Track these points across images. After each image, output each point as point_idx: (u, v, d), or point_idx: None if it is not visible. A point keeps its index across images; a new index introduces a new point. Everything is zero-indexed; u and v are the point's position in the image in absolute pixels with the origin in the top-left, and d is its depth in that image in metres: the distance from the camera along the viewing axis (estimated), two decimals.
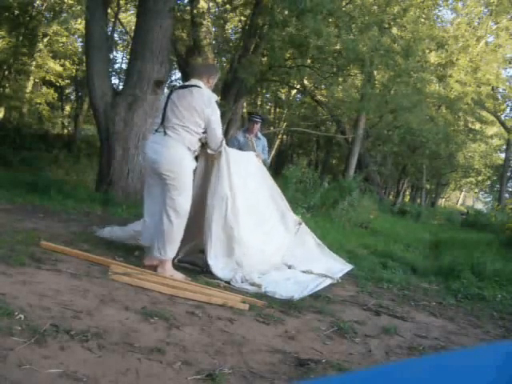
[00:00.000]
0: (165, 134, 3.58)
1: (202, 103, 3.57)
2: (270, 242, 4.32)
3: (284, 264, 4.36)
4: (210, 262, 3.75)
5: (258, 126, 5.84)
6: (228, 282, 3.63)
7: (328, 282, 4.12)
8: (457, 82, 19.23)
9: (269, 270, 4.11)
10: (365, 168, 17.55)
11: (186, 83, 3.79)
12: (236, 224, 3.89)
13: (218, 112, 3.69)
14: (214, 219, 3.80)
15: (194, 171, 3.82)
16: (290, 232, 4.72)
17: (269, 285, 3.66)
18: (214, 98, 3.74)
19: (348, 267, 4.79)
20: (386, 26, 10.41)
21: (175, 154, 3.57)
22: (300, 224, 4.87)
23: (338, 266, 4.71)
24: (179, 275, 3.61)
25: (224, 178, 3.86)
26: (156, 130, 3.67)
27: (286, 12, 9.53)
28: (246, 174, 4.26)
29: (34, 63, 16.15)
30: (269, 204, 4.55)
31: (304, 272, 4.25)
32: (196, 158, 3.87)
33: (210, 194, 3.85)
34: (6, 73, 16.11)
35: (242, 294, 3.40)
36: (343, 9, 9.54)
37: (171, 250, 3.64)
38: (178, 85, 3.94)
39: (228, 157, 3.88)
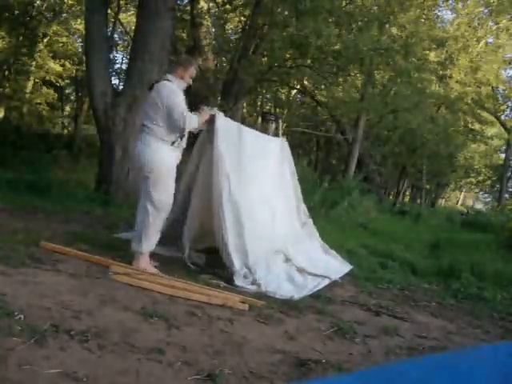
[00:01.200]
0: (142, 131, 3.74)
1: (162, 93, 3.63)
2: (275, 231, 4.36)
3: (283, 253, 4.34)
4: (225, 242, 3.75)
5: (273, 126, 5.71)
6: (229, 282, 3.62)
7: (327, 281, 4.12)
8: (457, 82, 19.22)
9: (274, 259, 4.13)
10: (364, 168, 17.54)
11: (157, 80, 3.86)
12: (243, 212, 3.91)
13: (178, 95, 3.68)
14: (223, 202, 3.80)
15: (184, 166, 3.89)
16: (299, 222, 4.82)
17: (269, 285, 3.66)
18: (180, 86, 3.75)
19: (347, 267, 4.80)
20: (385, 20, 10.35)
21: (150, 149, 3.66)
22: (309, 218, 5.00)
23: (338, 267, 4.72)
24: (153, 269, 3.64)
25: (222, 163, 3.88)
26: (140, 131, 3.83)
27: (286, 12, 9.54)
28: (257, 157, 4.37)
29: (34, 63, 16.15)
30: (280, 193, 4.65)
31: (298, 268, 4.23)
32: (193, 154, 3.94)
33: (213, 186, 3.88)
34: (6, 73, 16.12)
35: (241, 293, 3.40)
36: (343, 9, 9.54)
37: (146, 243, 3.67)
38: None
39: (222, 144, 3.91)
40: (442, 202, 39.40)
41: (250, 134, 4.51)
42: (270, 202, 4.45)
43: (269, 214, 4.39)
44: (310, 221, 5.08)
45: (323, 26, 8.26)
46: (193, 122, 3.70)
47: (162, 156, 3.67)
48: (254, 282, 3.65)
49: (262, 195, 4.35)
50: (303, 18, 8.38)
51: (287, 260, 4.29)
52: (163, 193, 3.68)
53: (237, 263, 3.72)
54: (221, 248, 3.81)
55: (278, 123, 5.62)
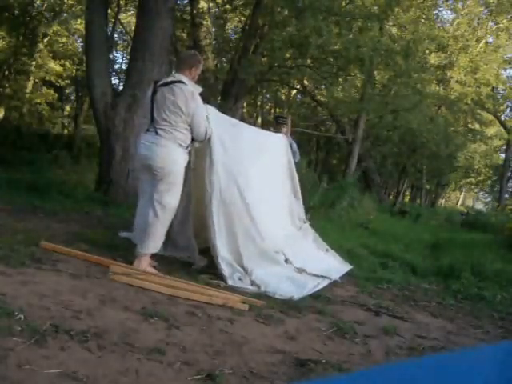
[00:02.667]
0: (156, 133, 3.60)
1: (184, 101, 3.54)
2: (275, 230, 4.33)
3: (281, 253, 4.30)
4: (216, 242, 3.72)
5: (285, 130, 5.63)
6: (226, 282, 3.61)
7: (327, 282, 4.11)
8: (457, 82, 19.23)
9: (274, 259, 4.11)
10: (364, 166, 17.55)
11: (168, 79, 3.70)
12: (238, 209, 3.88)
13: (201, 104, 3.66)
14: (212, 203, 3.75)
15: (187, 167, 3.83)
16: (294, 225, 4.83)
17: (268, 285, 3.66)
18: (198, 90, 3.70)
19: (347, 267, 4.80)
20: (384, 17, 10.31)
21: (167, 152, 3.60)
22: (305, 222, 4.97)
23: (338, 267, 4.72)
24: (153, 270, 3.62)
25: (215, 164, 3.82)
26: (147, 130, 3.68)
27: (286, 12, 9.54)
28: (255, 154, 4.33)
29: (34, 63, 16.16)
30: (279, 191, 4.63)
31: (298, 269, 4.22)
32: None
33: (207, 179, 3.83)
34: (6, 73, 16.13)
35: (241, 294, 3.40)
36: (343, 8, 9.54)
37: (152, 245, 3.64)
38: (160, 80, 3.83)
39: (216, 146, 3.84)
40: (442, 202, 39.38)
41: (247, 130, 4.46)
42: (269, 200, 4.43)
43: (268, 213, 4.37)
44: (306, 225, 5.03)
45: (323, 25, 8.26)
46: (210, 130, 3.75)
47: (179, 160, 3.64)
48: (252, 283, 3.64)
49: (262, 194, 4.30)
50: (303, 17, 8.38)
51: (286, 261, 4.27)
52: (174, 196, 3.66)
53: (226, 268, 3.69)
54: (212, 251, 3.79)
55: (287, 125, 5.61)
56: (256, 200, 4.19)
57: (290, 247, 4.42)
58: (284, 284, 3.80)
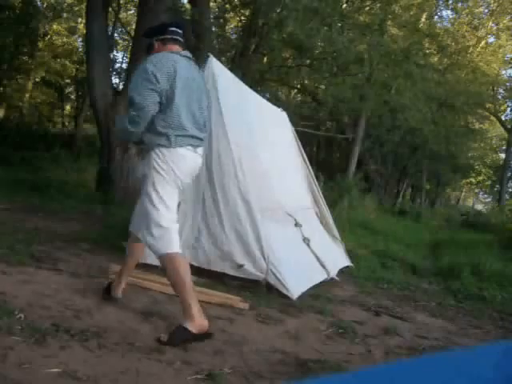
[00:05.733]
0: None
1: None
2: (286, 195, 4.28)
3: (292, 218, 4.16)
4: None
5: None
6: (241, 266, 3.52)
7: (325, 276, 4.08)
8: (457, 82, 19.22)
9: (285, 224, 4.06)
10: (364, 166, 17.53)
11: None
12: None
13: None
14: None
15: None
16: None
17: (280, 272, 3.50)
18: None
19: (346, 262, 4.83)
20: (376, 27, 10.25)
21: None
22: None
23: (339, 260, 4.70)
24: None
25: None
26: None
27: (284, 12, 9.53)
28: (261, 124, 4.25)
29: (34, 62, 16.16)
30: (290, 167, 4.63)
31: (305, 238, 4.11)
32: None
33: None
34: (7, 72, 16.12)
35: (241, 294, 3.40)
36: (337, 10, 9.50)
37: None
38: None
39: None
40: (441, 201, 39.35)
41: (253, 97, 4.36)
42: (283, 171, 4.35)
43: (282, 180, 4.27)
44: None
45: (318, 27, 8.23)
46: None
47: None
48: (260, 271, 3.49)
49: (275, 162, 4.22)
50: (285, 17, 8.34)
51: (296, 225, 4.15)
52: None
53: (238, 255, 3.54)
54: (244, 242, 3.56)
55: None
56: (270, 165, 4.07)
57: (302, 216, 4.34)
58: (292, 276, 3.58)
